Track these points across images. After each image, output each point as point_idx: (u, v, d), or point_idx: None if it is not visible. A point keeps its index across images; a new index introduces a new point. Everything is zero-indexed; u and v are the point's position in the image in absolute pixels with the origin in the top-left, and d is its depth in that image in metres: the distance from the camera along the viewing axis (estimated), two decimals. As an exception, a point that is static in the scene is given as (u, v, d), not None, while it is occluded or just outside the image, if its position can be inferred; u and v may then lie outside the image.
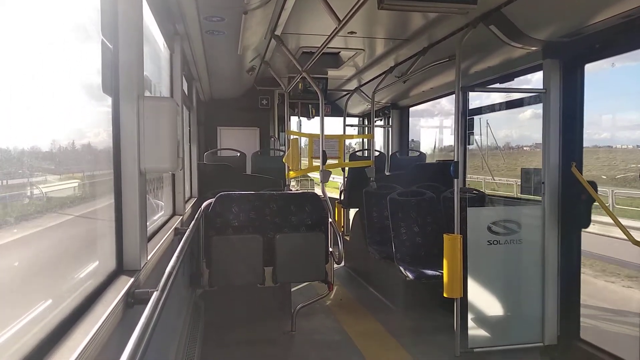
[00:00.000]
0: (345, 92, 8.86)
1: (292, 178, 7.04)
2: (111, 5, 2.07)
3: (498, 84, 5.51)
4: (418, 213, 5.74)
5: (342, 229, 8.09)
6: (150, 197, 3.12)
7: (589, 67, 4.27)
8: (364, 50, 6.14)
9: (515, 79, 5.36)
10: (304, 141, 7.85)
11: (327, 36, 4.36)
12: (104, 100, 2.04)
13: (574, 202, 4.27)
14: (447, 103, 9.75)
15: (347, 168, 8.08)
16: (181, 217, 4.25)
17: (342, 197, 8.21)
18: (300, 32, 5.39)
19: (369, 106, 7.96)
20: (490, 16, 4.10)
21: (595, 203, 4.18)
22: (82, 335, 1.37)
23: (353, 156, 8.92)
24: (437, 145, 10.73)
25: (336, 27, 3.91)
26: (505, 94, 5.54)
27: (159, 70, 3.93)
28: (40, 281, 1.49)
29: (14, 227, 1.32)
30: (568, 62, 4.29)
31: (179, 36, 4.39)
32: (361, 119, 10.75)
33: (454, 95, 4.48)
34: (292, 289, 5.82)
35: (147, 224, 2.42)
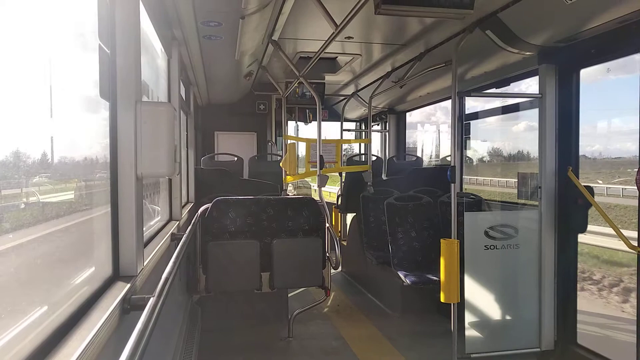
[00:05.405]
0: (342, 97, 8.87)
1: (289, 182, 7.02)
2: (108, 11, 2.07)
3: (494, 89, 5.52)
4: (415, 218, 5.73)
5: (339, 234, 8.07)
6: (146, 202, 3.10)
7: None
8: (361, 55, 6.16)
9: (512, 84, 5.38)
10: (302, 147, 7.82)
11: (324, 41, 4.37)
12: (101, 106, 2.03)
13: (571, 207, 4.28)
14: (445, 108, 9.78)
15: (344, 173, 8.09)
16: (178, 222, 4.23)
17: (339, 202, 8.20)
18: (298, 37, 5.40)
19: (366, 111, 7.97)
20: (487, 21, 4.12)
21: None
22: (77, 342, 1.36)
23: (350, 161, 8.92)
24: (433, 150, 10.74)
25: (333, 32, 3.92)
26: (502, 99, 5.56)
27: (157, 76, 3.92)
28: (35, 288, 1.47)
29: (9, 233, 1.31)
30: (564, 67, 4.31)
31: (177, 41, 4.40)
32: (358, 123, 10.78)
33: (450, 100, 4.48)
34: (289, 295, 5.80)
35: (144, 229, 2.41)
